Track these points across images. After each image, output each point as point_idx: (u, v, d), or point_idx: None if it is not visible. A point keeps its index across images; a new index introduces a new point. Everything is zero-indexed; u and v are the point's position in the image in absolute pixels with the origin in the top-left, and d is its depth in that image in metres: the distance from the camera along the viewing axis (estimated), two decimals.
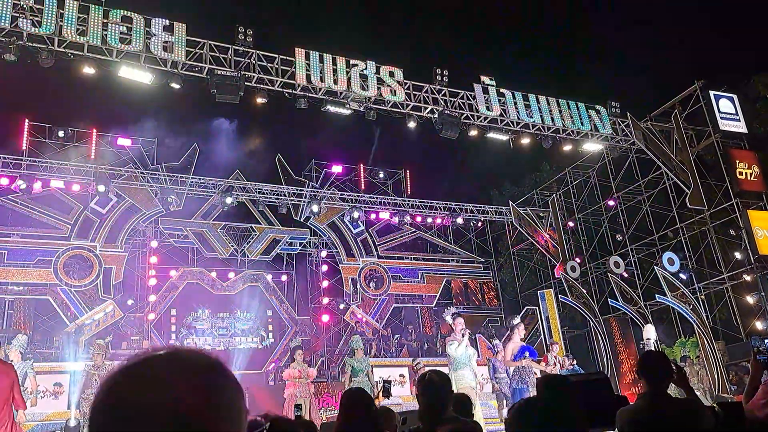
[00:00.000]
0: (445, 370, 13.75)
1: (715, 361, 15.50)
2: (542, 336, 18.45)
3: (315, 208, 18.18)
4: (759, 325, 15.47)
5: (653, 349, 12.05)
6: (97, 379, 10.23)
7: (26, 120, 16.64)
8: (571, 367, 12.60)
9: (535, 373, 10.96)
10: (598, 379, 4.55)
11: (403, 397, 15.17)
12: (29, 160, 16.06)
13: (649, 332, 12.43)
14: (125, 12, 11.78)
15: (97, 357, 10.48)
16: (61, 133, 16.78)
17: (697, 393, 13.55)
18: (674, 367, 3.87)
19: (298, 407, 5.96)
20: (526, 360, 9.55)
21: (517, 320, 10.34)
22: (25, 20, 10.98)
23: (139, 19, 11.85)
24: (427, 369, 12.97)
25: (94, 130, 17.12)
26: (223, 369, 0.98)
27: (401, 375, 14.10)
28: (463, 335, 8.79)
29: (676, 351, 16.97)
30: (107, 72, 12.08)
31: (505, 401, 11.95)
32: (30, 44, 11.17)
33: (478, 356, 12.29)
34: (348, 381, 11.73)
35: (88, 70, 11.77)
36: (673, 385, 3.84)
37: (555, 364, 12.01)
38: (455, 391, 8.13)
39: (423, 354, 18.22)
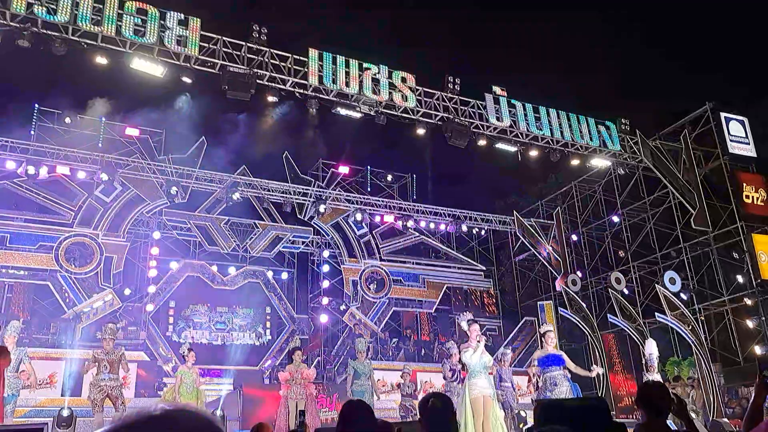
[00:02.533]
0: (438, 376, 13.77)
1: (711, 383, 15.46)
2: (539, 348, 18.38)
3: (322, 208, 18.24)
4: (758, 349, 15.41)
5: (656, 364, 11.96)
6: (107, 365, 10.16)
7: (35, 105, 16.67)
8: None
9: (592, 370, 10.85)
10: (596, 405, 4.51)
11: (398, 402, 15.15)
12: (36, 145, 16.07)
13: (651, 347, 12.35)
14: (141, 4, 11.78)
15: (108, 341, 10.38)
16: (68, 120, 16.79)
17: (692, 416, 13.46)
18: (674, 399, 3.86)
19: (302, 413, 5.92)
20: (555, 369, 9.40)
21: (545, 328, 10.23)
22: (40, 7, 11.00)
23: (155, 12, 11.86)
24: (417, 375, 12.86)
25: (103, 119, 17.13)
26: (217, 430, 0.97)
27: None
28: (478, 342, 8.68)
29: (669, 369, 16.91)
30: (119, 63, 12.09)
31: (510, 411, 11.89)
32: (44, 32, 11.18)
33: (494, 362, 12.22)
34: (350, 383, 11.76)
35: (101, 60, 11.78)
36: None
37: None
38: (467, 403, 8.15)
39: (419, 359, 18.20)
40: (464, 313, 9.49)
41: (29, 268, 16.14)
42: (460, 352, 9.39)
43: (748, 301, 15.86)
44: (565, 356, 9.96)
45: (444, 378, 11.84)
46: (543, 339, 9.81)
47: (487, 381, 8.50)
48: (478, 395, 8.24)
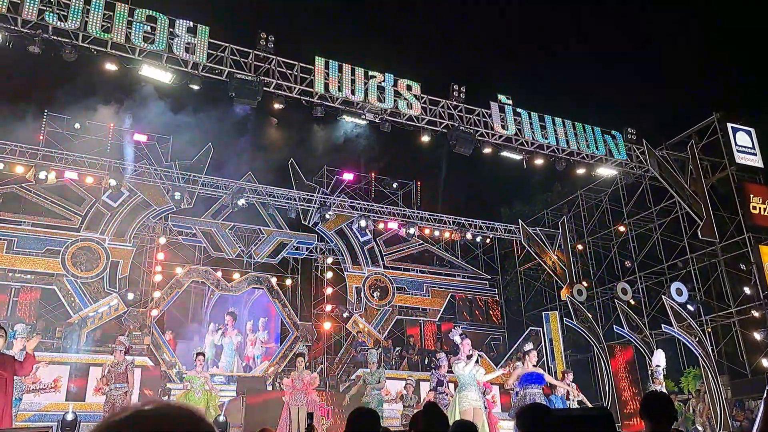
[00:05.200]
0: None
1: (718, 396, 15.33)
2: (545, 358, 18.30)
3: (329, 215, 18.33)
4: (765, 362, 15.29)
5: (662, 376, 11.93)
6: (114, 375, 10.34)
7: (45, 110, 16.79)
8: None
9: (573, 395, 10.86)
10: (600, 414, 4.48)
11: (400, 411, 15.09)
12: (45, 150, 16.18)
13: (659, 359, 12.27)
14: (150, 12, 11.90)
15: (117, 353, 10.57)
16: (77, 125, 16.92)
17: (698, 428, 13.34)
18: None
19: (310, 416, 5.93)
20: (535, 387, 9.40)
21: (528, 347, 10.23)
22: (51, 14, 11.11)
23: (164, 20, 11.97)
24: (420, 384, 12.77)
25: (111, 124, 17.24)
26: (204, 426, 0.99)
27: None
28: (469, 356, 8.75)
29: (689, 382, 16.77)
30: (129, 69, 12.19)
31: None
32: (55, 38, 11.29)
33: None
34: (363, 393, 11.82)
35: (110, 67, 11.89)
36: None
37: (568, 393, 11.79)
38: (457, 415, 8.16)
39: (423, 368, 18.12)
40: (457, 327, 9.60)
41: (36, 272, 16.22)
42: (450, 364, 9.44)
43: (756, 313, 15.75)
44: (545, 374, 10.01)
45: (431, 389, 11.71)
46: (526, 356, 9.78)
47: (477, 393, 8.61)
48: (468, 408, 8.33)
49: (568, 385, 11.69)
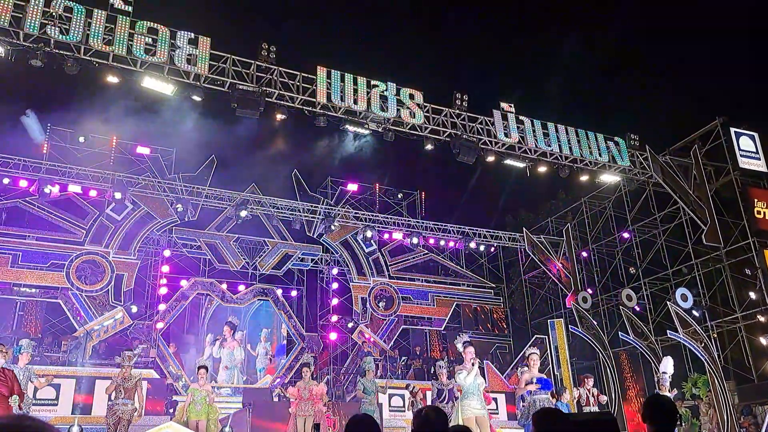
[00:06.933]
0: None
1: (725, 402, 15.21)
2: (550, 366, 18.20)
3: (335, 226, 18.34)
4: None
5: (668, 383, 11.81)
6: (123, 390, 10.31)
7: (48, 124, 16.88)
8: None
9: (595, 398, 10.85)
10: (605, 420, 4.45)
11: (407, 420, 15.00)
12: (49, 163, 16.26)
13: (667, 365, 12.14)
14: (151, 24, 11.97)
15: (126, 368, 10.53)
16: (81, 139, 16.99)
17: None
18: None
19: (317, 427, 5.91)
20: (543, 393, 9.32)
21: (529, 351, 10.17)
22: (53, 28, 11.19)
23: (165, 32, 12.03)
24: (426, 393, 12.71)
25: (114, 137, 17.32)
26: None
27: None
28: (473, 364, 8.71)
29: (699, 388, 16.65)
30: (130, 81, 12.25)
31: None
32: (57, 51, 11.36)
33: (486, 384, 12.11)
34: (360, 402, 11.75)
35: (112, 79, 11.95)
36: None
37: (588, 398, 11.69)
38: (459, 423, 8.10)
39: (429, 378, 18.03)
40: (460, 335, 9.55)
41: (41, 286, 16.25)
42: (455, 373, 9.39)
43: (762, 318, 15.65)
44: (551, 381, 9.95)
45: (432, 400, 11.59)
46: (529, 360, 9.73)
47: (480, 402, 8.59)
48: (470, 416, 8.31)
49: (588, 390, 11.59)
